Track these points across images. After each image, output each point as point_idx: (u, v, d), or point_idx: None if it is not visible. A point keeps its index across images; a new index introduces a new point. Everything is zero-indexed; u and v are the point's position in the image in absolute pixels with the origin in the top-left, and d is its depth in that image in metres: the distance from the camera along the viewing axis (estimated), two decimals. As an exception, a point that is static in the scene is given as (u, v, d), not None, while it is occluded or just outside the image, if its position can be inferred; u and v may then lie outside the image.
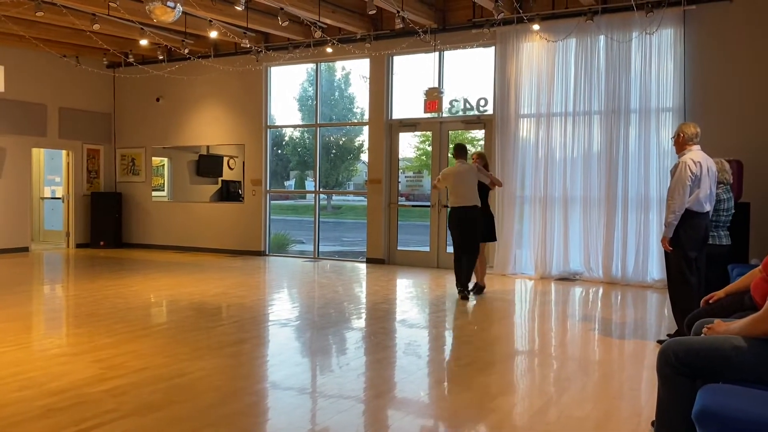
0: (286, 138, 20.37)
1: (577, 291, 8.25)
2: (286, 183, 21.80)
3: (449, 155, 10.35)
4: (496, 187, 7.98)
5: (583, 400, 3.96)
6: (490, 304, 7.30)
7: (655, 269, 8.47)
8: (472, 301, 7.31)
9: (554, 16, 9.01)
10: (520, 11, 8.66)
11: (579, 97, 8.95)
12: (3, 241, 11.51)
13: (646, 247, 8.54)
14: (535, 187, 9.24)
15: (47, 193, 14.30)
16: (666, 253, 5.24)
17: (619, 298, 7.83)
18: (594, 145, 8.92)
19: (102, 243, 12.78)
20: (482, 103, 9.88)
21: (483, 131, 10.10)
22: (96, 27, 9.18)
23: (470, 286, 7.53)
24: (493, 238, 8.10)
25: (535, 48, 9.20)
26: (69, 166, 12.76)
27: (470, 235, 7.30)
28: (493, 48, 9.56)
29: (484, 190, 7.57)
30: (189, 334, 5.56)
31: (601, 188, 8.82)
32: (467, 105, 10.06)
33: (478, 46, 9.53)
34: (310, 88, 17.81)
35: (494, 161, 9.52)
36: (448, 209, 7.76)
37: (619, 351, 5.37)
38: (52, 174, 14.20)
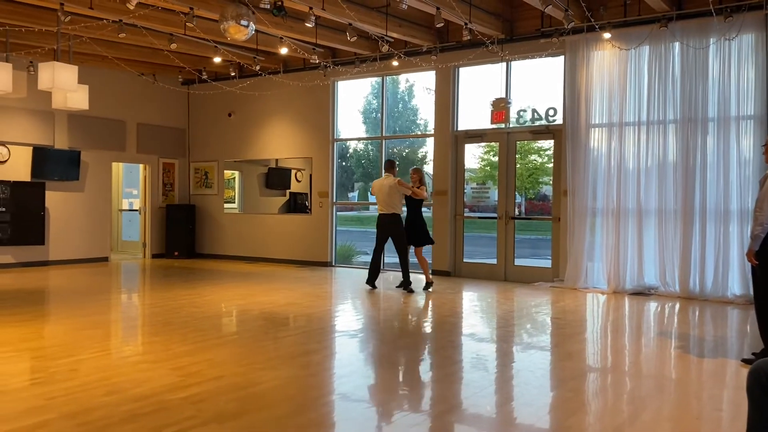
0: (350, 150, 20.62)
1: (653, 306, 7.98)
2: (350, 194, 22.02)
3: (516, 165, 10.25)
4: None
5: (661, 420, 3.82)
6: (561, 319, 7.15)
7: (736, 284, 8.10)
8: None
9: (626, 24, 8.80)
10: (591, 20, 8.50)
11: (653, 106, 8.69)
12: (85, 252, 12.11)
13: (726, 260, 8.18)
14: (607, 198, 9.02)
15: (125, 206, 14.97)
16: (752, 267, 5.01)
17: (698, 313, 7.52)
18: (669, 154, 8.63)
19: (176, 253, 13.26)
20: (551, 113, 9.73)
21: (552, 141, 9.95)
22: (173, 46, 9.58)
23: (417, 284, 8.73)
24: (427, 242, 9.02)
25: (606, 56, 9.01)
26: (146, 180, 13.32)
27: (393, 237, 8.67)
28: (562, 57, 9.42)
29: (415, 200, 8.76)
30: (261, 344, 5.69)
31: (677, 199, 8.52)
32: (535, 115, 9.93)
33: (546, 56, 9.41)
34: (374, 101, 17.98)
35: (564, 171, 9.36)
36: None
37: (698, 370, 5.15)
38: (130, 187, 14.87)
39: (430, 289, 8.85)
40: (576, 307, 7.88)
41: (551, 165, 10.10)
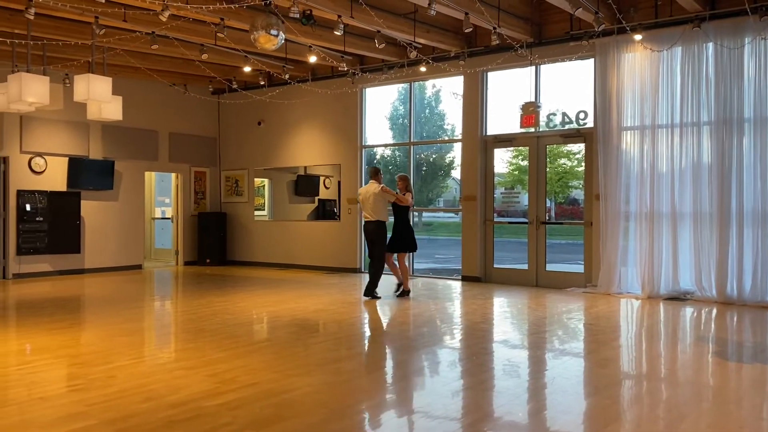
0: (377, 156, 20.68)
1: (689, 311, 7.83)
2: (378, 201, 22.06)
3: (546, 169, 10.15)
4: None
5: (700, 430, 3.74)
6: (595, 325, 7.05)
7: (776, 288, 7.90)
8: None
9: (657, 25, 8.68)
10: (623, 21, 8.40)
11: (686, 108, 8.55)
12: (120, 259, 12.32)
13: (766, 264, 8.00)
14: (640, 201, 8.88)
15: (158, 214, 15.21)
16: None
17: (736, 319, 7.35)
18: (704, 156, 8.48)
19: (208, 260, 13.42)
20: (582, 116, 9.64)
21: (583, 145, 9.84)
22: (204, 56, 9.73)
23: (392, 289, 8.91)
24: (412, 249, 9.05)
25: (637, 58, 8.89)
26: (178, 188, 13.52)
27: (374, 242, 8.70)
28: (592, 60, 9.32)
29: (402, 206, 8.79)
30: (294, 350, 5.72)
31: (712, 202, 8.36)
32: (566, 118, 9.84)
33: (576, 59, 9.33)
34: (401, 107, 17.98)
35: (596, 175, 9.25)
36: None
37: (738, 377, 5.03)
38: (162, 195, 15.11)
39: (408, 296, 8.83)
40: (610, 312, 7.77)
41: (581, 168, 10.00)
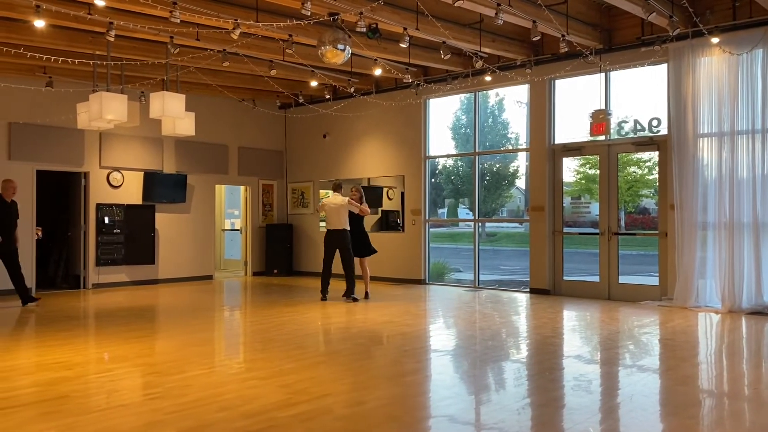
0: (440, 166, 20.59)
1: (775, 327, 7.40)
2: (440, 211, 21.96)
3: (617, 177, 9.85)
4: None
5: (799, 454, 3.51)
6: (672, 341, 6.76)
7: None
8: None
9: (735, 27, 8.31)
10: (699, 24, 8.09)
11: (768, 112, 8.14)
12: (192, 270, 12.70)
13: None
14: (719, 211, 8.50)
15: (227, 225, 15.62)
16: None
17: (828, 336, 6.90)
18: (789, 163, 8.04)
19: (275, 271, 13.67)
20: (654, 123, 9.32)
21: (656, 152, 9.50)
22: (273, 72, 9.96)
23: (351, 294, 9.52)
24: (369, 253, 9.88)
25: (714, 62, 8.54)
26: (246, 201, 13.85)
27: (341, 250, 9.48)
28: (665, 65, 9.01)
29: (357, 216, 9.63)
30: (363, 362, 5.73)
31: (799, 212, 7.90)
32: (638, 126, 9.54)
33: (648, 65, 9.04)
34: (464, 117, 17.86)
35: (670, 183, 8.92)
36: (326, 231, 9.67)
37: (835, 398, 4.71)
38: (232, 208, 15.51)
39: (368, 299, 9.62)
40: (687, 327, 7.44)
41: (652, 177, 9.66)
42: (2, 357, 5.92)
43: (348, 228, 9.52)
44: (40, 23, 7.34)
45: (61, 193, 11.81)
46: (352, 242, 9.58)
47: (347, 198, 9.55)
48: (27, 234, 10.57)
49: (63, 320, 8.14)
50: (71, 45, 8.72)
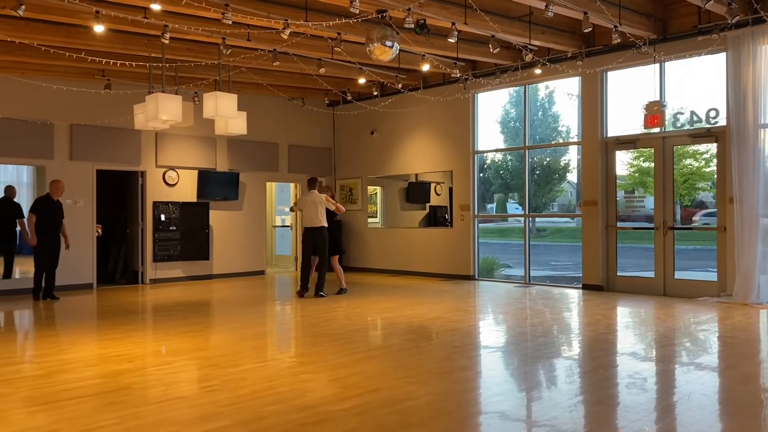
0: (488, 161, 20.38)
1: (843, 325, 7.09)
2: (488, 206, 21.77)
3: (673, 170, 9.58)
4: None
5: None
6: (732, 338, 6.55)
7: None
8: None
9: (799, 12, 7.97)
10: (759, 11, 7.79)
11: (836, 101, 7.78)
12: (244, 265, 12.97)
13: None
14: (781, 205, 8.18)
15: (278, 222, 15.87)
16: None
17: None
18: None
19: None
20: (712, 114, 9.03)
21: (714, 144, 9.20)
22: (322, 71, 10.06)
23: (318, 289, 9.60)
24: (339, 252, 10.09)
25: (776, 50, 8.21)
26: (296, 197, 14.03)
27: (318, 247, 9.51)
28: (723, 54, 8.71)
29: (331, 213, 9.68)
30: (414, 358, 5.75)
31: None
32: (694, 117, 9.26)
33: (706, 54, 8.75)
34: (512, 110, 17.63)
35: (729, 176, 8.63)
36: (304, 229, 9.69)
37: None
38: (282, 204, 15.75)
39: (344, 293, 9.80)
40: (748, 324, 7.19)
41: (709, 169, 9.36)
42: (68, 349, 6.18)
43: (326, 225, 9.54)
44: (99, 28, 7.61)
45: (119, 191, 12.22)
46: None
47: (325, 195, 9.57)
48: (88, 231, 11.00)
49: (122, 314, 8.44)
50: (128, 48, 9.01)
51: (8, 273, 10.47)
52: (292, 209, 11.44)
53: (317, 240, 9.51)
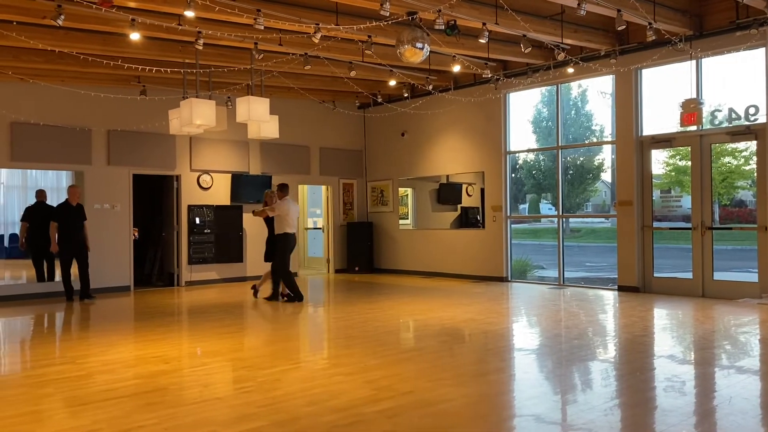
0: (520, 161, 20.21)
1: None
2: (521, 206, 21.57)
3: (711, 168, 9.37)
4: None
5: None
6: (774, 340, 6.38)
7: None
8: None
9: (843, 5, 7.74)
10: (800, 4, 7.60)
11: None
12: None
13: None
14: (825, 203, 7.93)
15: (310, 224, 15.98)
16: None
17: None
18: None
19: (356, 268, 13.87)
20: (752, 111, 8.81)
21: (754, 142, 8.98)
22: (353, 74, 10.10)
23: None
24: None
25: (818, 44, 7.98)
26: (328, 200, 14.13)
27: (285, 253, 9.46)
28: (762, 50, 8.50)
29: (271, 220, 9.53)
30: (447, 360, 5.74)
31: None
32: (733, 114, 9.05)
33: (744, 50, 8.55)
34: (545, 110, 17.44)
35: (769, 176, 8.41)
36: (285, 234, 9.37)
37: None
38: (314, 207, 15.86)
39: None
40: (792, 327, 7.00)
41: (748, 167, 9.13)
42: (107, 350, 6.32)
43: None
44: (135, 36, 7.77)
45: (155, 195, 12.45)
46: (267, 247, 9.86)
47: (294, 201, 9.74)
48: (125, 235, 11.23)
49: (159, 316, 8.59)
50: (162, 55, 9.17)
51: (50, 275, 10.74)
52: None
53: (293, 246, 9.59)
